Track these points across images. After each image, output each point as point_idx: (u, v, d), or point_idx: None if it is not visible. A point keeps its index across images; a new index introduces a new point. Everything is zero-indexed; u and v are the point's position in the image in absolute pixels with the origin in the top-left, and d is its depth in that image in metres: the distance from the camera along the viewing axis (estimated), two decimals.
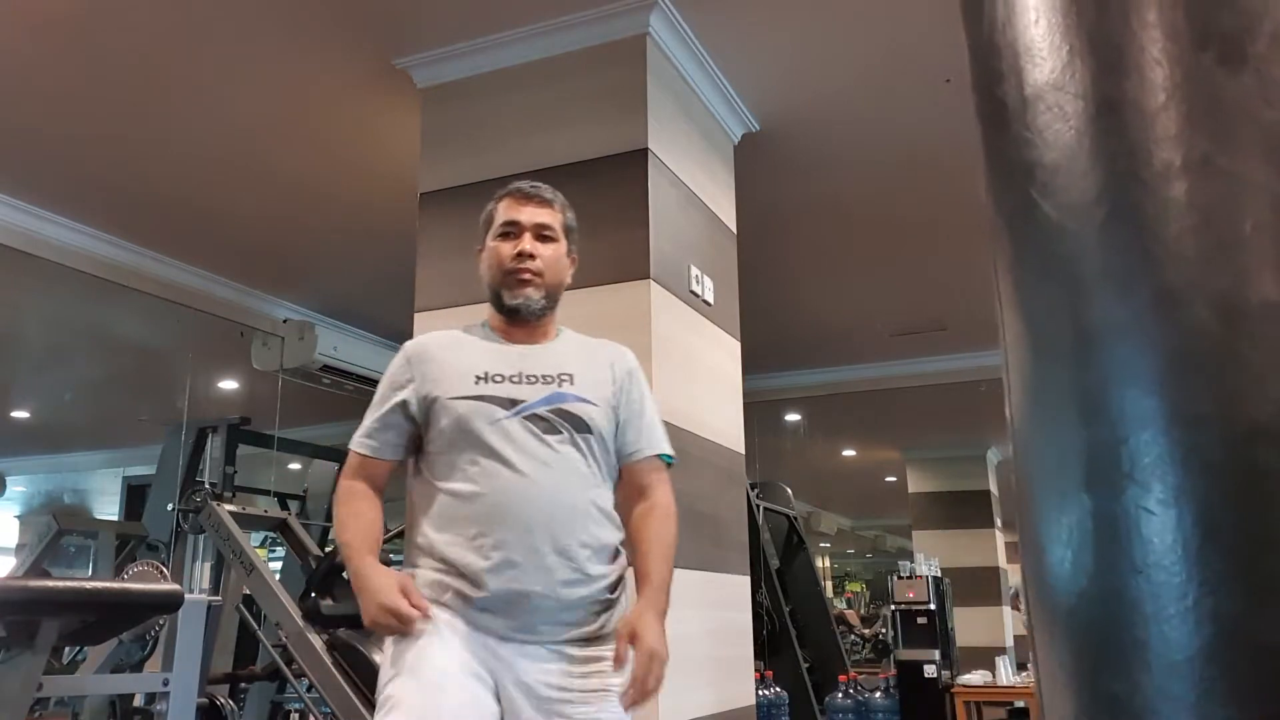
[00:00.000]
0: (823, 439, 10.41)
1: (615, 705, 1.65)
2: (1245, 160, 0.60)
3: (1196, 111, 0.62)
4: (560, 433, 1.69)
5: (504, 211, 1.82)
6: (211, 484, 6.56)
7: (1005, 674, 6.32)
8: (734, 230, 3.81)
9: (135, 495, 8.59)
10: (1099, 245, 0.66)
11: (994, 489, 10.39)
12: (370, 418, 1.78)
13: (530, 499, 1.63)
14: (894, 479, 12.06)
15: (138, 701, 4.66)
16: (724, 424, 3.48)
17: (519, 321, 1.79)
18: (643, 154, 3.13)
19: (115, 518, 9.41)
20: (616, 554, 1.76)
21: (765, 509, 5.83)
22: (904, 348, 6.93)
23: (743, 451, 3.67)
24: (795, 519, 6.32)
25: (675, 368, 3.12)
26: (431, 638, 1.59)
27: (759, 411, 6.74)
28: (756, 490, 5.76)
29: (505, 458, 1.64)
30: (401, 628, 1.59)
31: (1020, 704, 6.38)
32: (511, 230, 1.80)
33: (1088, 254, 0.66)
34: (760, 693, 4.41)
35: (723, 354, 3.57)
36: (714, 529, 3.30)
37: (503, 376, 1.71)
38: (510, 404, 1.68)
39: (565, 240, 1.85)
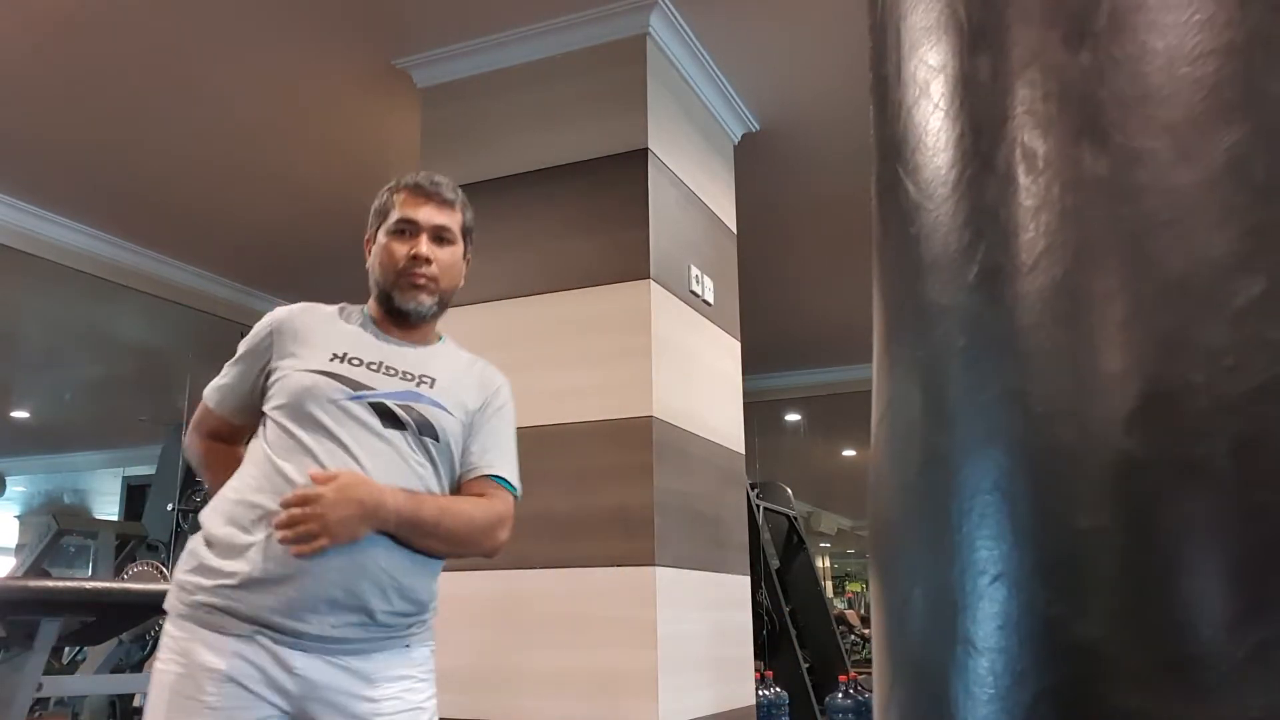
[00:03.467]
0: (823, 439, 10.40)
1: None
2: (1076, 141, 0.61)
3: (1039, 90, 0.63)
4: (402, 429, 1.55)
5: (400, 207, 1.68)
6: None
7: None
8: (734, 230, 3.81)
9: (135, 495, 8.59)
10: (946, 223, 0.67)
11: None
12: (224, 372, 1.73)
13: (357, 550, 1.46)
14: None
15: (138, 701, 4.66)
16: (724, 424, 3.48)
17: (404, 325, 1.68)
18: (643, 154, 3.13)
19: (115, 518, 9.42)
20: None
21: (765, 509, 5.83)
22: None
23: (743, 451, 3.67)
24: (795, 519, 6.31)
25: (675, 368, 3.12)
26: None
27: (759, 411, 6.73)
28: (756, 490, 5.76)
29: (339, 439, 1.51)
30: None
31: None
32: (407, 229, 1.66)
33: (936, 231, 0.67)
34: (760, 693, 4.41)
35: (723, 354, 3.57)
36: (714, 529, 3.30)
37: (360, 361, 1.59)
38: (356, 387, 1.55)
39: (462, 242, 1.73)
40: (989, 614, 0.59)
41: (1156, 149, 0.57)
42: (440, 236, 1.68)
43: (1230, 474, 0.53)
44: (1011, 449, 0.60)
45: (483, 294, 3.17)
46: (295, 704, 1.43)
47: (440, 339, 1.75)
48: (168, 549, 6.16)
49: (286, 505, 1.43)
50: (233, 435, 1.72)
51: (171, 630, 1.48)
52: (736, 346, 3.72)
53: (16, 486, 10.70)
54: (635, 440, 2.92)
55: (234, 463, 1.61)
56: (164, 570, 4.41)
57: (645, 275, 3.03)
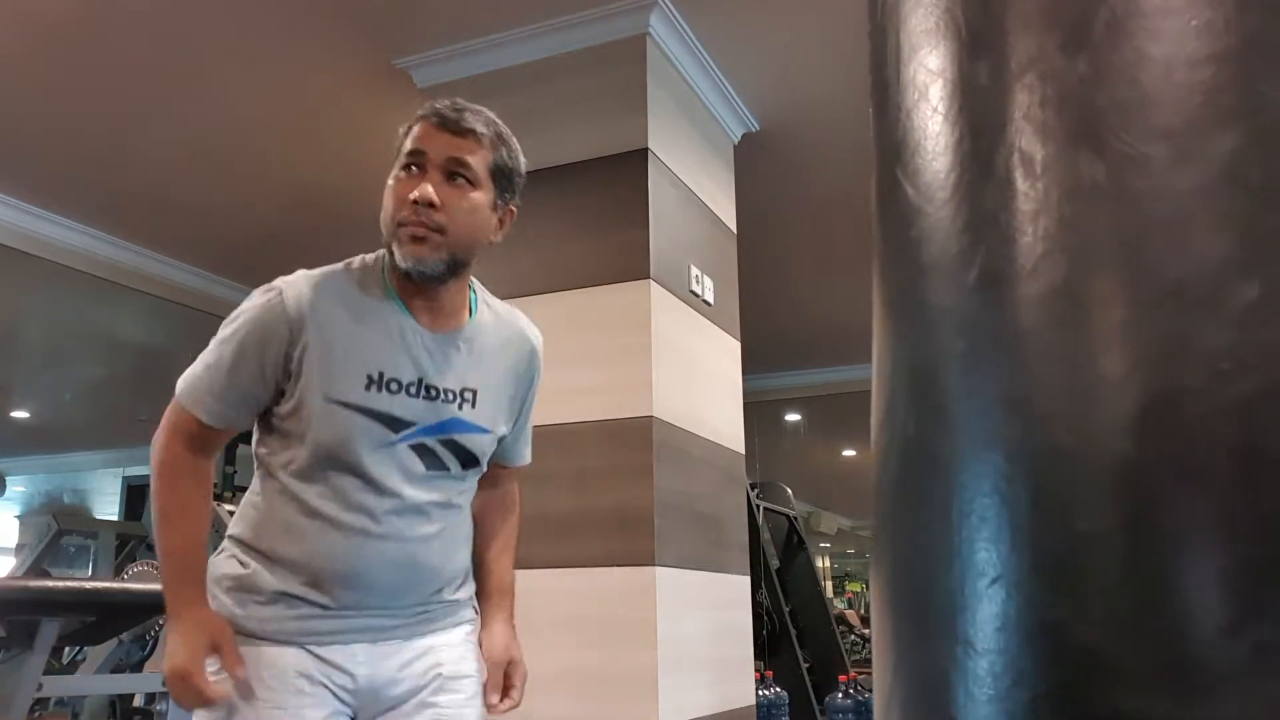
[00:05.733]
0: (823, 439, 10.41)
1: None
2: (1075, 145, 0.61)
3: (1037, 95, 0.63)
4: (446, 469, 1.40)
5: (414, 131, 1.35)
6: (212, 484, 6.56)
7: None
8: (734, 230, 3.81)
9: (135, 495, 8.60)
10: (945, 227, 0.67)
11: None
12: (220, 373, 1.35)
13: (402, 567, 1.37)
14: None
15: (138, 701, 4.66)
16: (724, 424, 3.48)
17: (419, 287, 1.37)
18: (643, 154, 3.13)
19: (115, 518, 9.43)
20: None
21: (765, 509, 5.83)
22: None
23: (743, 451, 3.67)
24: (795, 519, 6.31)
25: (675, 368, 3.12)
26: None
27: (759, 411, 6.73)
28: (756, 490, 5.76)
29: (384, 488, 1.34)
30: (196, 703, 1.28)
31: None
32: (414, 164, 1.33)
33: (935, 235, 0.68)
34: (760, 693, 4.41)
35: (723, 354, 3.57)
36: (714, 529, 3.30)
37: (399, 385, 1.35)
38: (397, 427, 1.35)
39: (492, 187, 1.37)
40: (988, 616, 0.59)
41: (1154, 154, 0.58)
42: (453, 173, 1.33)
43: (1228, 477, 0.53)
44: (1011, 452, 0.60)
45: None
46: (360, 699, 1.36)
47: (473, 307, 1.48)
48: None
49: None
50: (214, 448, 1.41)
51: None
52: (736, 346, 3.72)
53: (16, 486, 10.70)
54: (635, 440, 2.92)
55: (205, 480, 1.39)
56: None
57: (645, 275, 3.03)
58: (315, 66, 3.62)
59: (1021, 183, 0.62)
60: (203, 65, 3.61)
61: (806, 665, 5.57)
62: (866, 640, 10.86)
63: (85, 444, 10.09)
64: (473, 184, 1.35)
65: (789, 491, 6.76)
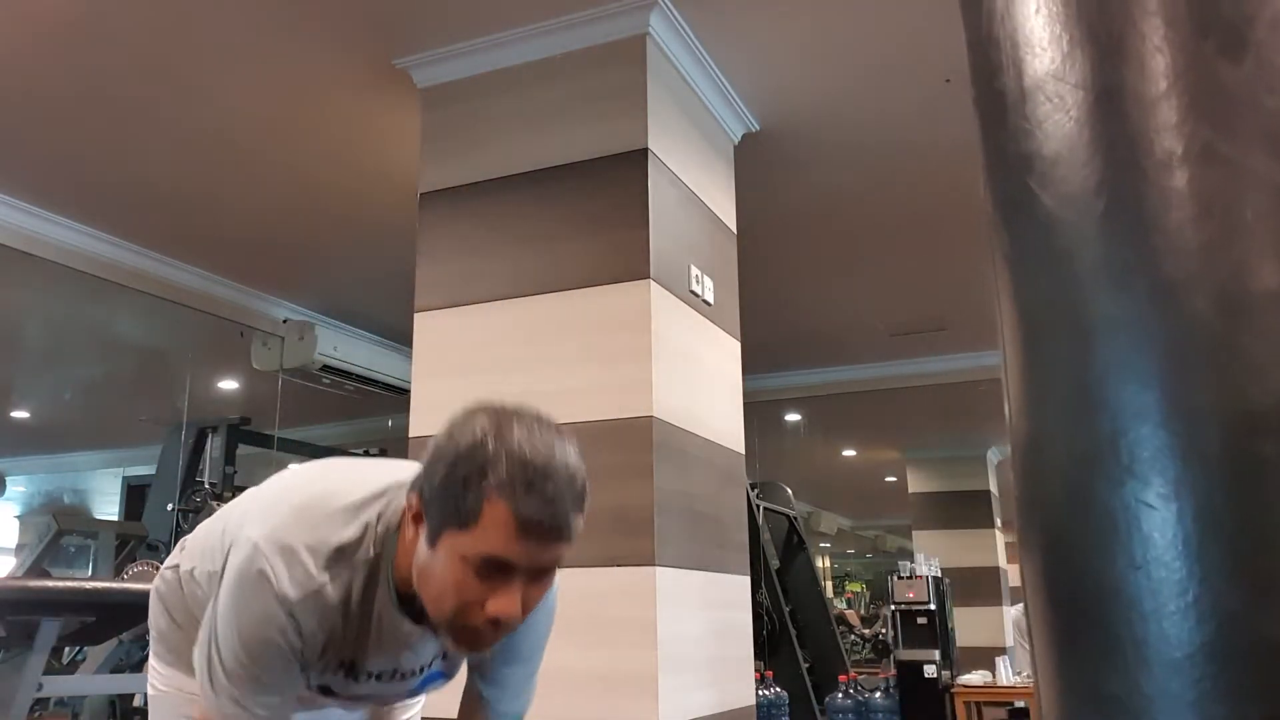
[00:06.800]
0: (823, 439, 10.41)
1: None
2: (1246, 148, 0.59)
3: (1198, 100, 0.61)
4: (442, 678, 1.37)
5: (496, 531, 1.05)
6: (211, 484, 6.57)
7: (1005, 674, 6.32)
8: (734, 230, 3.81)
9: (135, 495, 8.59)
10: (1097, 237, 0.65)
11: (994, 489, 10.40)
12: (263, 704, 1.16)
13: None
14: (894, 479, 12.07)
15: (138, 701, 4.66)
16: (724, 424, 3.48)
17: None
18: (643, 154, 3.13)
19: (115, 518, 9.42)
20: None
21: (765, 509, 5.83)
22: (904, 348, 6.94)
23: (743, 451, 3.67)
24: (795, 519, 6.31)
25: (675, 368, 3.12)
26: None
27: (759, 411, 6.74)
28: (756, 490, 5.76)
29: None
30: None
31: (1020, 704, 6.38)
32: (499, 572, 1.07)
33: (1086, 246, 0.66)
34: (760, 693, 4.41)
35: (723, 354, 3.57)
36: (714, 529, 3.30)
37: (369, 674, 1.26)
38: (344, 692, 1.28)
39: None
40: (1192, 637, 0.57)
41: None
42: (542, 571, 1.11)
43: None
44: (1206, 464, 0.58)
45: (483, 294, 3.17)
46: None
47: None
48: (168, 549, 6.16)
49: None
50: None
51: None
52: (736, 346, 3.72)
53: (16, 486, 10.71)
54: (635, 440, 2.92)
55: None
56: None
57: (645, 275, 3.03)
58: (315, 66, 3.62)
59: (1180, 189, 0.61)
60: (203, 65, 3.61)
61: (806, 665, 5.58)
62: (866, 640, 10.85)
63: (85, 444, 10.08)
64: (552, 571, 1.13)
65: (789, 491, 6.77)
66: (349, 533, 1.16)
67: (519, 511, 1.04)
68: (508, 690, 1.37)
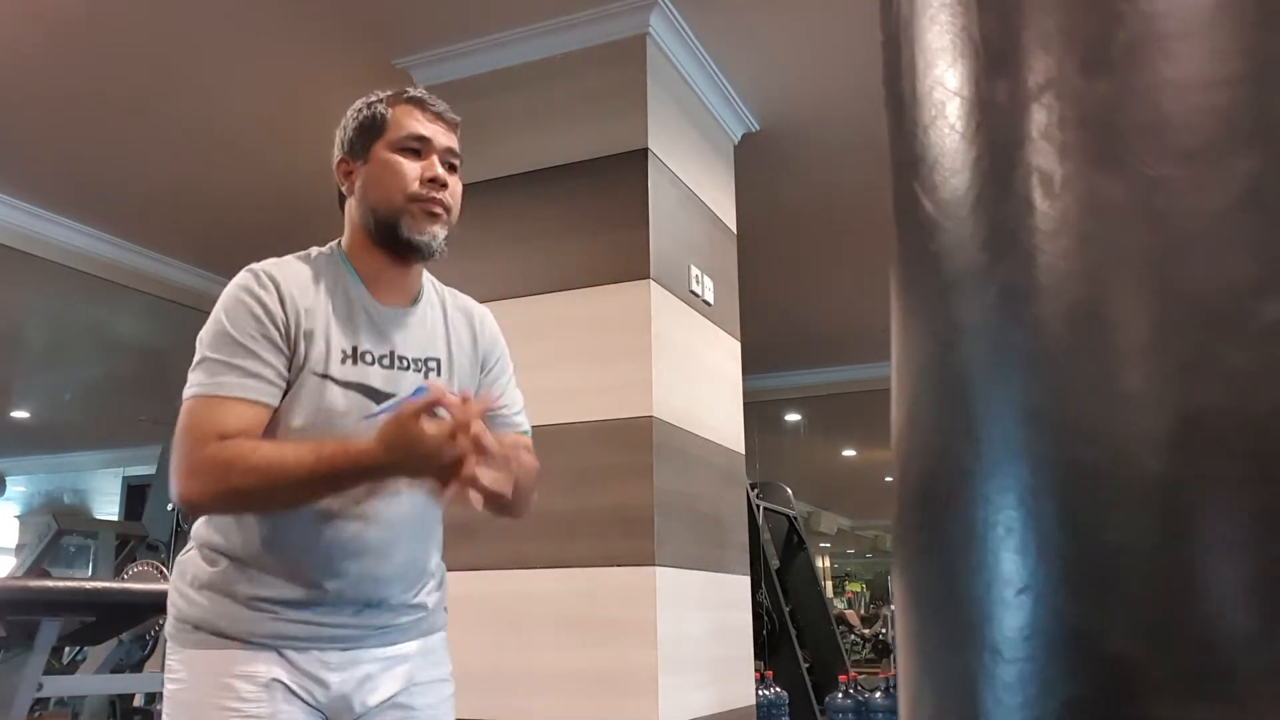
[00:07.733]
0: (823, 439, 10.40)
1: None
2: (1098, 166, 0.62)
3: (1063, 117, 0.64)
4: None
5: (405, 121, 1.43)
6: None
7: None
8: (734, 230, 3.81)
9: (135, 495, 8.59)
10: (965, 242, 0.68)
11: None
12: (236, 348, 1.30)
13: (380, 553, 1.37)
14: (894, 479, 12.05)
15: (138, 701, 4.66)
16: (724, 424, 3.48)
17: (400, 264, 1.42)
18: (643, 154, 3.13)
19: (115, 518, 9.42)
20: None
21: (765, 509, 5.83)
22: None
23: (743, 451, 3.67)
24: (795, 519, 6.31)
25: (675, 368, 3.12)
26: None
27: (759, 411, 6.73)
28: (756, 490, 5.76)
29: None
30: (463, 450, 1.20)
31: None
32: (418, 148, 1.41)
33: (956, 250, 0.69)
34: (760, 693, 4.40)
35: (723, 354, 3.57)
36: (714, 529, 3.30)
37: (372, 356, 1.37)
38: (377, 397, 1.36)
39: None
40: (1016, 624, 0.61)
41: (1174, 176, 0.58)
42: (450, 163, 1.44)
43: (1255, 491, 0.55)
44: (1037, 466, 0.62)
45: (483, 294, 3.16)
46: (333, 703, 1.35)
47: (421, 287, 1.49)
48: (168, 549, 6.16)
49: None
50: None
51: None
52: (736, 346, 3.72)
53: (16, 486, 10.70)
54: (635, 440, 2.92)
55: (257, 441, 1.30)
56: (164, 570, 4.40)
57: (645, 275, 3.03)
58: (315, 66, 3.62)
59: (1040, 201, 0.63)
60: (203, 65, 3.61)
61: (806, 665, 5.57)
62: (866, 640, 10.87)
63: (85, 444, 10.08)
64: (457, 170, 1.47)
65: (789, 491, 6.76)
66: (296, 253, 1.44)
67: (415, 98, 1.46)
68: (513, 417, 1.58)
